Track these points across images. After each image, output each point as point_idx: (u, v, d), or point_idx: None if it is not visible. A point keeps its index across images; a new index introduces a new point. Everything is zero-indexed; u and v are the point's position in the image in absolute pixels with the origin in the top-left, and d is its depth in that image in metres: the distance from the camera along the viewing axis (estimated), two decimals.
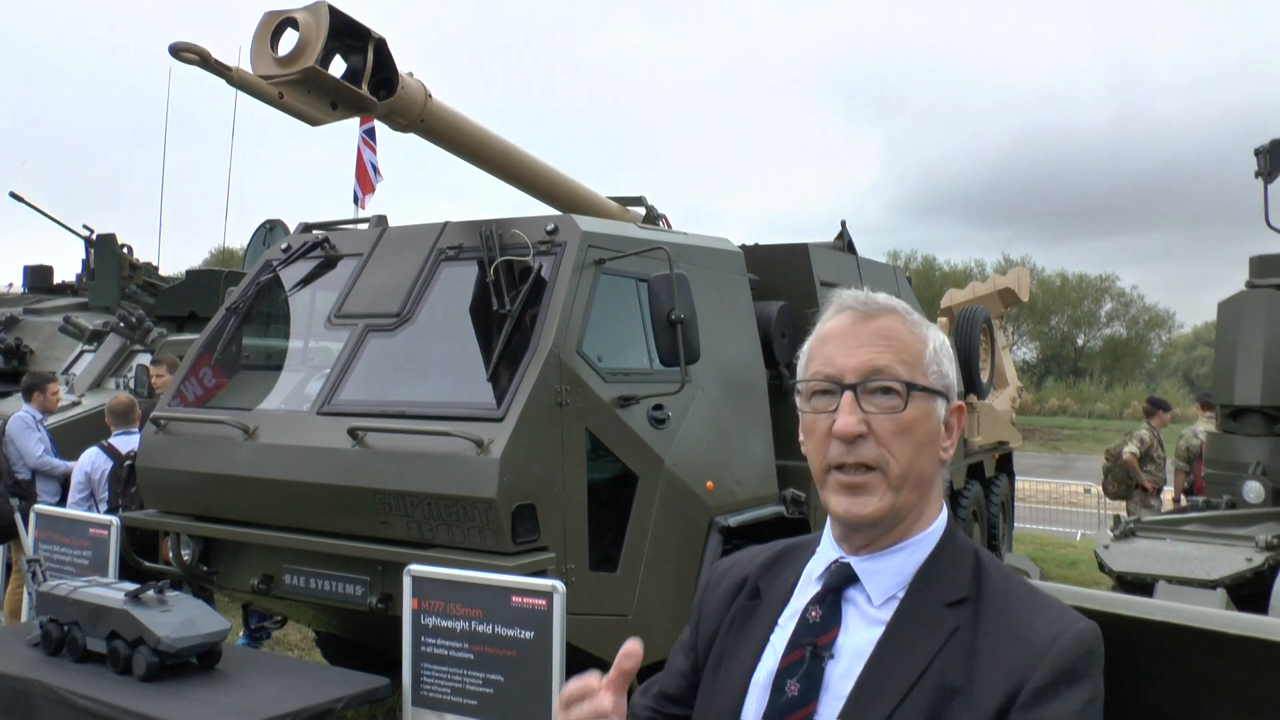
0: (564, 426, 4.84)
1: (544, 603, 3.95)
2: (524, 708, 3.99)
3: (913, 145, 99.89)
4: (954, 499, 9.92)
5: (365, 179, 13.98)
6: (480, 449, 4.53)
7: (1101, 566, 5.83)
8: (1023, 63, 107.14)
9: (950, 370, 1.48)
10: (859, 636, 1.43)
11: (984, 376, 11.21)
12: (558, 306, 4.94)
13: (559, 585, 3.99)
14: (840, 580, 1.48)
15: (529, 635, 3.98)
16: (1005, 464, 12.09)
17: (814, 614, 1.48)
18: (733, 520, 5.76)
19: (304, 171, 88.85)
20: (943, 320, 11.95)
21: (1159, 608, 3.10)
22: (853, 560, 1.48)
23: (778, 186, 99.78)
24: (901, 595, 1.44)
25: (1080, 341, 59.47)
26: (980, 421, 10.98)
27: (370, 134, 13.98)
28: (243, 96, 4.96)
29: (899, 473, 1.42)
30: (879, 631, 1.42)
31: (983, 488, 10.96)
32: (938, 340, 1.48)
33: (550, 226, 5.28)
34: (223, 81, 4.92)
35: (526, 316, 4.99)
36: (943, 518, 1.49)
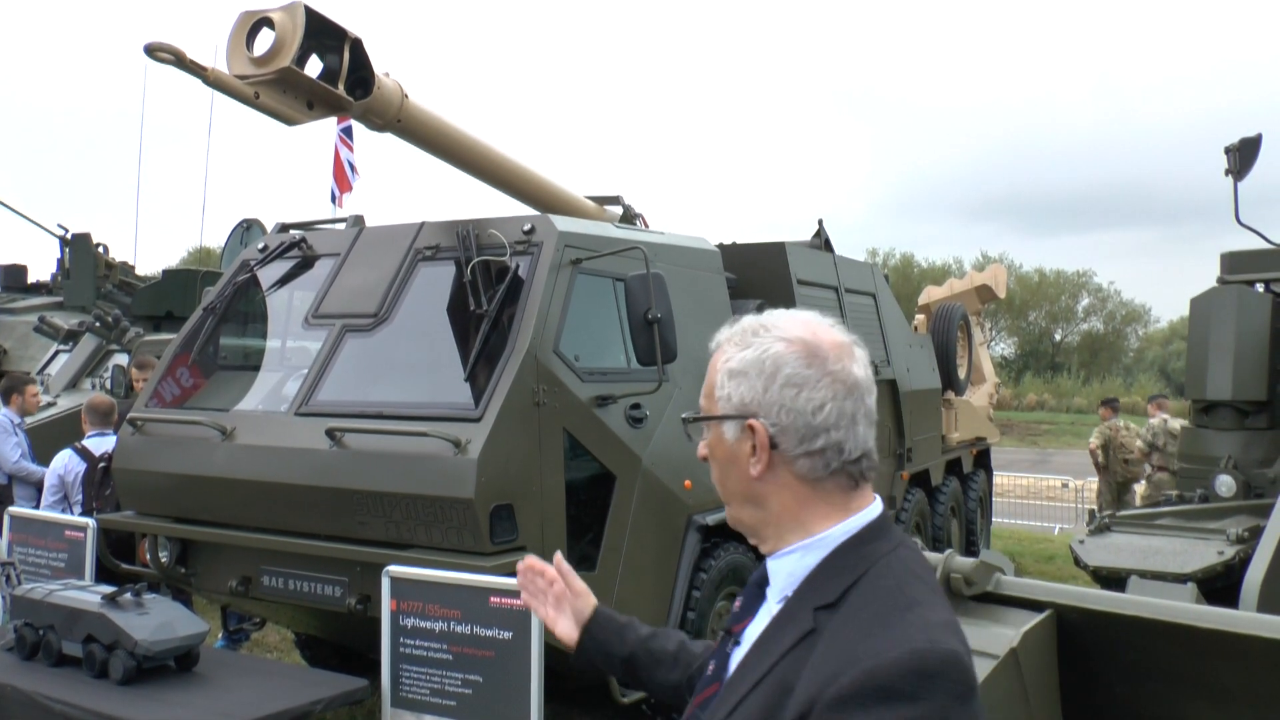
0: (541, 426, 4.85)
1: (522, 603, 3.95)
2: (503, 708, 4.00)
3: (897, 144, 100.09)
4: (932, 495, 9.98)
5: (343, 178, 13.91)
6: (458, 449, 4.53)
7: (1077, 561, 5.89)
8: (1006, 65, 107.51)
9: (744, 388, 1.49)
10: (757, 628, 1.52)
11: (961, 373, 11.29)
12: (534, 306, 4.95)
13: None
14: (760, 575, 1.59)
15: (508, 635, 3.99)
16: (983, 459, 12.17)
17: (737, 603, 1.62)
18: (711, 519, 5.77)
19: (281, 171, 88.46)
20: (920, 317, 12.01)
21: (1130, 602, 3.14)
22: (767, 559, 1.56)
23: (760, 185, 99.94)
24: (790, 595, 1.48)
25: (1058, 337, 59.88)
26: (958, 417, 11.04)
27: (348, 133, 13.90)
28: (219, 96, 4.94)
29: (720, 493, 1.58)
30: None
31: (960, 483, 11.02)
32: (736, 360, 1.51)
33: (527, 226, 5.28)
34: (199, 81, 4.90)
35: (503, 316, 5.00)
36: (843, 527, 1.48)
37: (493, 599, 4.03)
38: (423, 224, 5.69)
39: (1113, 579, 5.48)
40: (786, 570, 1.49)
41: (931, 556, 3.39)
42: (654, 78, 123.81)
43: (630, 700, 5.27)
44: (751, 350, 1.49)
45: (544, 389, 4.86)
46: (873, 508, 1.50)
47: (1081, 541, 5.92)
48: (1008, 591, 3.26)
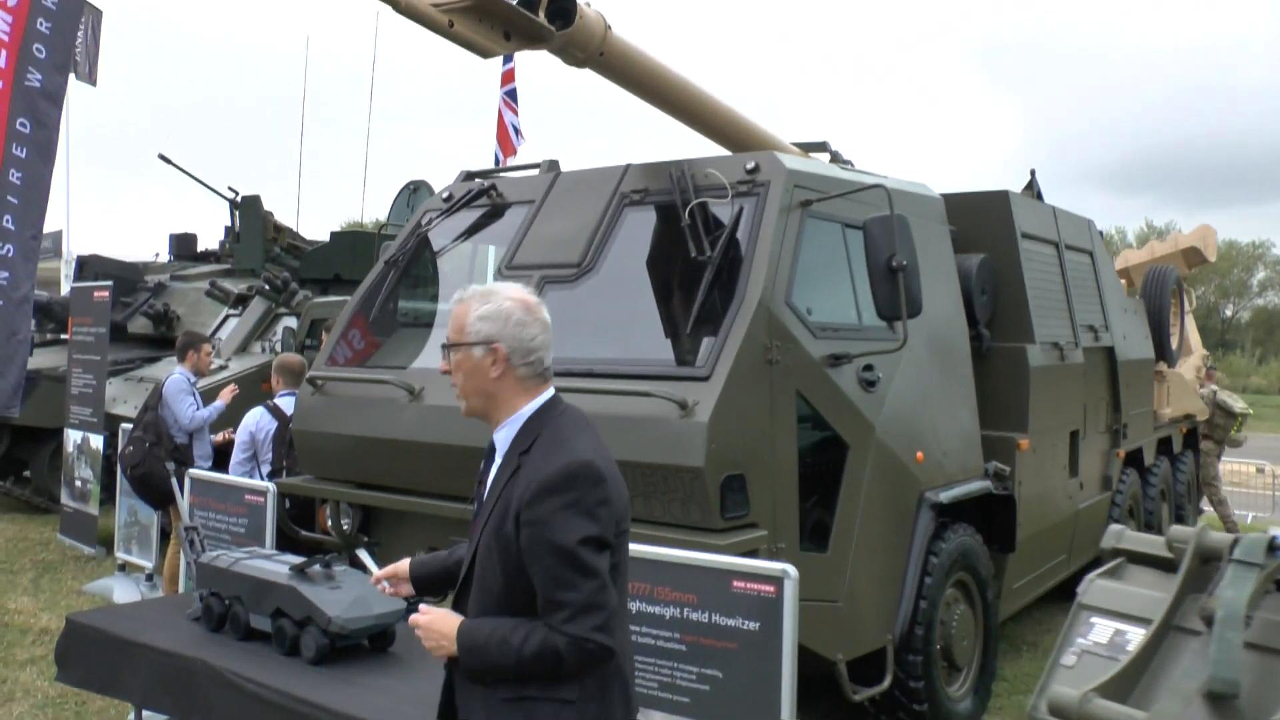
0: (774, 387, 4.27)
1: (772, 589, 3.37)
2: (746, 710, 3.43)
3: (1052, 111, 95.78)
4: (1144, 475, 9.06)
5: (506, 142, 13.59)
6: (684, 411, 4.00)
7: None
8: (1174, 25, 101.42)
9: (490, 326, 2.37)
10: (492, 477, 2.45)
11: (1174, 342, 10.27)
12: (764, 252, 4.37)
13: (790, 570, 3.40)
14: (491, 445, 2.49)
15: (753, 626, 3.42)
16: (1192, 439, 11.11)
17: (482, 464, 2.54)
18: (944, 496, 5.15)
19: (442, 138, 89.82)
20: (1121, 282, 10.99)
21: None
22: (494, 434, 2.47)
23: (911, 152, 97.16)
24: (506, 451, 2.41)
25: (1228, 312, 56.55)
26: (1170, 391, 10.04)
27: (511, 95, 13.59)
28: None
29: (460, 392, 2.45)
30: None
31: (1170, 464, 10.02)
32: (483, 310, 2.38)
33: (750, 165, 4.71)
34: (390, 10, 4.48)
35: (727, 264, 4.43)
36: (529, 407, 2.40)
37: (736, 584, 3.46)
38: (628, 166, 5.18)
39: None
40: (504, 437, 2.42)
41: None
42: (799, 34, 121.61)
43: (861, 697, 4.70)
44: (491, 304, 2.37)
45: (777, 345, 4.28)
46: (546, 394, 2.42)
47: None
48: None
